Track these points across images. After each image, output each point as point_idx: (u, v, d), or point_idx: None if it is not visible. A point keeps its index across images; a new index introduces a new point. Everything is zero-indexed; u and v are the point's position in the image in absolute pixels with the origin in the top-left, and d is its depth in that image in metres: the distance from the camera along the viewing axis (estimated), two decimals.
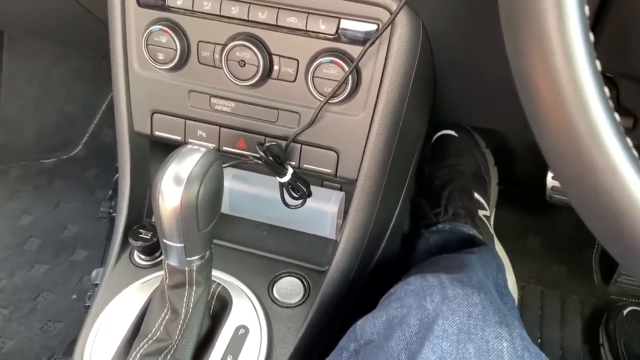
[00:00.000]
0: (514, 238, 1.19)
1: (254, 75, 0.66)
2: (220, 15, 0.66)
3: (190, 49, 0.69)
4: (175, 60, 0.69)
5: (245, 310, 0.70)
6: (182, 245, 0.58)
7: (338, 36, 0.64)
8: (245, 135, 0.72)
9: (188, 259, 0.59)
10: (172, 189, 0.54)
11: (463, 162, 1.13)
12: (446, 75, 0.77)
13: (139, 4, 0.69)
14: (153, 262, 0.78)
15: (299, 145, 0.70)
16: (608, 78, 0.51)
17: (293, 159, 0.71)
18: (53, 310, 1.06)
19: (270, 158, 0.67)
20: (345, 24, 0.63)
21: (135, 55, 0.72)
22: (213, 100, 0.71)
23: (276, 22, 0.65)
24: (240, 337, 0.67)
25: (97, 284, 0.80)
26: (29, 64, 1.39)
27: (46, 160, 1.38)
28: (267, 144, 0.68)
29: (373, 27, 0.63)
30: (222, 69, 0.67)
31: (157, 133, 0.75)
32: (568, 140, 0.33)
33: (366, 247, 0.77)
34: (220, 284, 0.71)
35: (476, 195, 1.10)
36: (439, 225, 1.03)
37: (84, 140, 1.43)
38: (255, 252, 0.80)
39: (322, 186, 0.80)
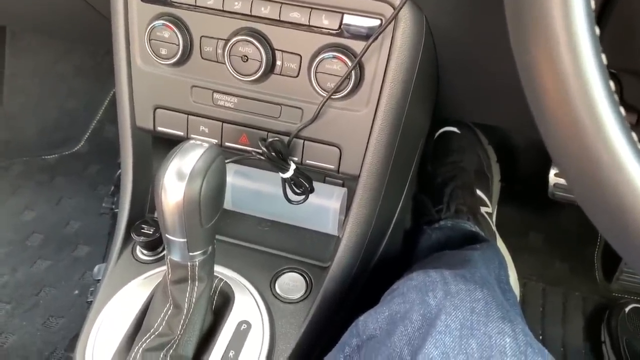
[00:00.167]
0: (516, 235, 1.19)
1: (257, 71, 0.66)
2: (223, 10, 0.66)
3: (192, 44, 0.69)
4: (178, 56, 0.69)
5: (247, 305, 0.70)
6: (185, 240, 0.58)
7: (341, 31, 0.64)
8: (247, 130, 0.72)
9: (190, 254, 0.59)
10: (175, 184, 0.54)
11: (465, 158, 1.13)
12: (449, 71, 0.77)
13: None
14: (155, 257, 0.78)
15: (302, 141, 0.70)
16: (612, 73, 0.51)
17: (295, 154, 0.71)
18: (55, 306, 1.06)
19: (273, 154, 0.67)
20: (348, 19, 0.63)
21: (137, 50, 0.72)
22: (216, 95, 0.71)
23: (279, 17, 0.65)
24: (242, 332, 0.67)
25: (99, 280, 0.80)
26: (31, 60, 1.39)
27: (48, 156, 1.39)
28: (270, 140, 0.68)
29: (376, 22, 0.63)
30: (224, 64, 0.67)
31: (159, 128, 0.75)
32: (573, 135, 0.33)
33: (368, 243, 0.77)
34: (223, 280, 0.71)
35: (478, 192, 1.10)
36: (441, 221, 1.03)
37: (86, 136, 1.43)
38: (257, 247, 0.80)
39: (324, 182, 0.80)
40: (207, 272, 0.62)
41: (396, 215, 0.90)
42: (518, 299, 0.99)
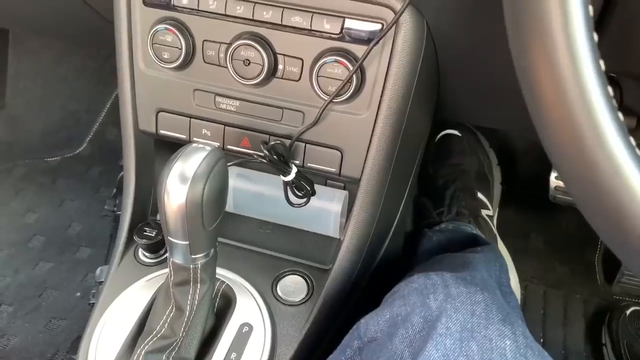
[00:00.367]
0: (516, 238, 1.19)
1: (259, 74, 0.67)
2: (225, 15, 0.67)
3: (195, 48, 0.69)
4: (181, 59, 0.69)
5: (249, 308, 0.71)
6: (187, 243, 0.58)
7: (342, 36, 0.64)
8: (249, 134, 0.72)
9: (193, 256, 0.59)
10: (178, 187, 0.55)
11: (466, 161, 1.13)
12: (450, 74, 0.77)
13: (145, 3, 0.70)
14: (157, 259, 0.78)
15: (303, 144, 0.71)
16: (611, 78, 0.52)
17: (297, 157, 0.72)
18: (57, 308, 1.07)
19: (275, 157, 0.68)
20: (349, 23, 0.64)
21: (140, 54, 0.72)
22: (218, 99, 0.71)
23: (281, 21, 0.65)
24: (244, 334, 0.67)
25: (101, 282, 0.81)
26: (33, 62, 1.39)
27: (51, 159, 1.39)
28: (272, 143, 0.68)
29: (377, 26, 0.63)
30: (227, 68, 0.68)
31: (162, 132, 0.76)
32: (572, 140, 0.34)
33: (369, 245, 0.77)
34: (225, 282, 0.72)
35: (479, 195, 1.10)
36: (442, 224, 1.03)
37: (89, 138, 1.43)
38: (259, 250, 0.80)
39: (325, 185, 0.80)
40: (209, 275, 0.62)
41: (397, 217, 0.91)
42: (519, 301, 0.99)
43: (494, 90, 0.79)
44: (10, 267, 1.13)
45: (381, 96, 0.66)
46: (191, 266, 0.60)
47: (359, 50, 0.64)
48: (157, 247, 0.77)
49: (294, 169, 0.69)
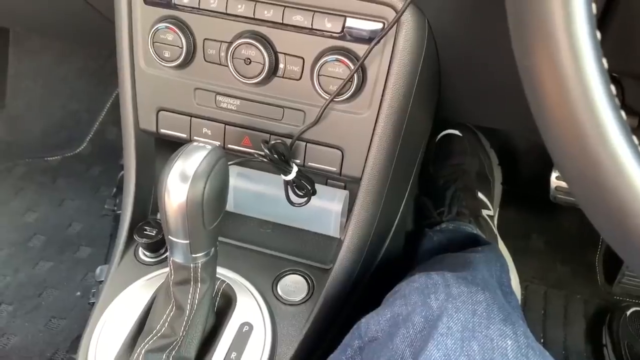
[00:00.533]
0: (517, 238, 1.19)
1: (260, 73, 0.67)
2: (226, 13, 0.67)
3: (196, 46, 0.69)
4: (181, 58, 0.69)
5: (249, 307, 0.70)
6: (188, 242, 0.58)
7: (344, 34, 0.64)
8: (250, 133, 0.72)
9: (193, 255, 0.59)
10: (178, 186, 0.55)
11: (467, 161, 1.13)
12: (451, 74, 0.77)
13: (145, 2, 0.70)
14: (158, 259, 0.78)
15: (304, 143, 0.71)
16: (613, 77, 0.51)
17: (298, 157, 0.71)
18: (57, 307, 1.06)
19: (275, 156, 0.67)
20: (350, 22, 0.64)
21: (141, 52, 0.72)
22: (219, 98, 0.71)
23: (282, 20, 0.65)
24: (244, 334, 0.67)
25: (101, 281, 0.81)
26: (34, 62, 1.39)
27: (51, 158, 1.39)
28: (272, 142, 0.68)
29: (379, 25, 0.63)
30: (227, 66, 0.68)
31: (162, 131, 0.75)
32: (574, 138, 0.33)
33: (370, 245, 0.77)
34: (225, 281, 0.72)
35: (480, 195, 1.10)
36: (443, 224, 1.03)
37: (89, 137, 1.43)
38: (259, 249, 0.80)
39: (326, 184, 0.80)
40: (209, 274, 0.62)
41: (398, 217, 0.90)
42: (519, 301, 0.99)
43: (495, 90, 0.79)
44: (10, 266, 1.13)
45: (382, 95, 0.66)
46: (191, 265, 0.60)
47: (360, 49, 0.64)
48: (158, 246, 0.77)
49: (295, 168, 0.69)
